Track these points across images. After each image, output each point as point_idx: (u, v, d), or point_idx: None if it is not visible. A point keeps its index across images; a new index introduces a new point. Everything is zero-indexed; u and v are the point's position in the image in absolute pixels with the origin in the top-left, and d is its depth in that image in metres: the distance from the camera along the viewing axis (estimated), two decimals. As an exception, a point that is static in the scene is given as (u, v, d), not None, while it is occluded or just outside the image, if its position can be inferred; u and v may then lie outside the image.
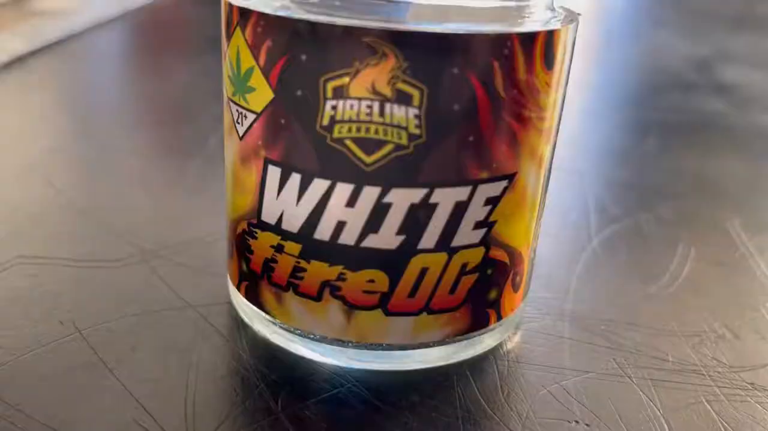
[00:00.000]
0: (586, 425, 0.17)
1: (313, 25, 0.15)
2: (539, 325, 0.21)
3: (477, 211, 0.17)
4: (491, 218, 0.17)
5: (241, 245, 0.19)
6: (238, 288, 0.20)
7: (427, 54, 0.15)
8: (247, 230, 0.18)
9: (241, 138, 0.18)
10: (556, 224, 0.27)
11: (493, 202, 0.17)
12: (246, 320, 0.20)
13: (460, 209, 0.17)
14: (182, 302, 0.21)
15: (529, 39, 0.16)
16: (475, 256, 0.17)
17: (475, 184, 0.17)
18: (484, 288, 0.18)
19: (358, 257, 0.17)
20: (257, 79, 0.16)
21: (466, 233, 0.17)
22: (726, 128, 0.42)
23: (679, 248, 0.26)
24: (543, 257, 0.25)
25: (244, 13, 0.16)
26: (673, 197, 0.31)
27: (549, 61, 0.16)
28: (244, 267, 0.19)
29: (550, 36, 0.16)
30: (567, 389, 0.18)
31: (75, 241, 0.24)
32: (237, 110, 0.17)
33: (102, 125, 0.36)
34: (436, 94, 0.15)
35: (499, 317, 0.19)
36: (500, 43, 0.15)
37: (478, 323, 0.18)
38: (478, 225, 0.17)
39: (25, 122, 0.35)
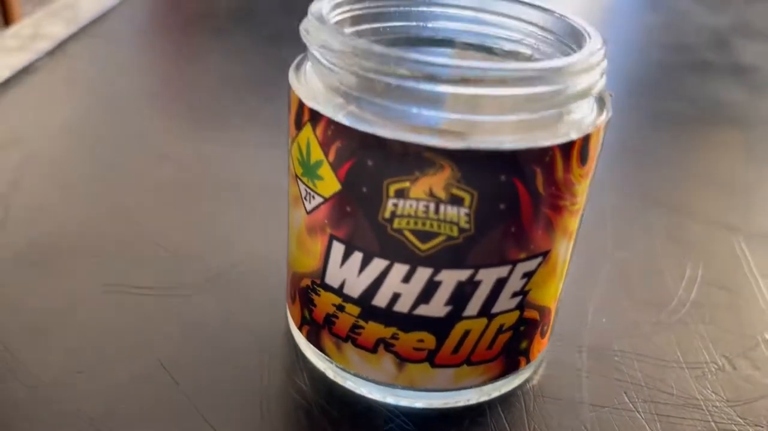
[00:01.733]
0: (601, 461, 0.20)
1: (378, 139, 0.17)
2: (559, 358, 0.24)
3: (515, 283, 0.19)
4: (526, 288, 0.20)
5: (304, 297, 0.22)
6: (300, 329, 0.22)
7: (478, 166, 0.17)
8: (310, 286, 0.21)
9: (308, 213, 0.20)
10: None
11: (528, 275, 0.20)
12: (307, 356, 0.23)
13: (500, 284, 0.19)
14: (249, 334, 0.24)
15: (567, 147, 0.18)
16: (511, 318, 0.20)
17: (514, 263, 0.19)
18: (517, 342, 0.21)
19: (410, 322, 0.20)
20: (326, 171, 0.19)
21: (505, 302, 0.20)
22: (742, 117, 0.43)
23: (687, 271, 0.29)
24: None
25: (315, 115, 0.18)
26: (682, 212, 0.33)
27: (584, 159, 0.19)
28: (307, 315, 0.22)
29: (586, 140, 0.18)
30: (585, 424, 0.21)
31: (149, 268, 0.27)
32: (305, 189, 0.20)
33: (154, 136, 0.38)
34: (485, 197, 0.18)
35: (528, 361, 0.22)
36: (543, 153, 0.18)
37: (510, 368, 0.21)
38: (515, 295, 0.20)
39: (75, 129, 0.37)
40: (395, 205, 0.18)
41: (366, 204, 0.18)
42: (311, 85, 0.19)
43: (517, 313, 0.20)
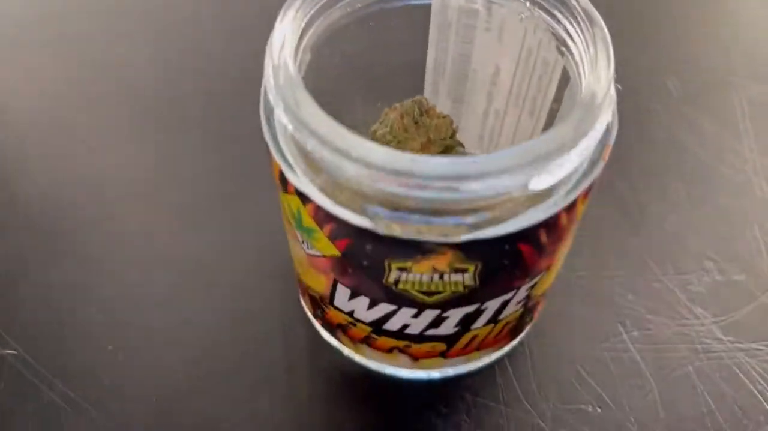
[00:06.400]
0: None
1: (376, 234, 0.16)
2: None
3: (520, 296, 0.20)
4: (530, 294, 0.20)
5: (314, 305, 0.22)
6: (314, 318, 0.23)
7: (482, 246, 0.17)
8: (319, 302, 0.22)
9: (307, 254, 0.20)
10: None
11: (532, 287, 0.20)
12: (324, 336, 0.24)
13: (505, 303, 0.20)
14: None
15: (571, 205, 0.17)
16: (516, 315, 0.21)
17: (518, 287, 0.19)
18: (521, 324, 0.22)
19: (421, 338, 0.21)
20: (321, 239, 0.18)
21: (510, 310, 0.20)
22: None
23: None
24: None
25: (304, 198, 0.17)
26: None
27: (586, 198, 0.18)
28: (320, 315, 0.23)
29: (588, 190, 0.17)
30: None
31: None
32: (302, 238, 0.19)
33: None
34: (490, 263, 0.17)
35: (531, 320, 0.23)
36: (548, 220, 0.17)
37: (516, 334, 0.23)
38: (518, 303, 0.20)
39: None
40: (398, 276, 0.18)
41: (369, 271, 0.18)
42: (291, 154, 0.17)
43: (520, 310, 0.21)
